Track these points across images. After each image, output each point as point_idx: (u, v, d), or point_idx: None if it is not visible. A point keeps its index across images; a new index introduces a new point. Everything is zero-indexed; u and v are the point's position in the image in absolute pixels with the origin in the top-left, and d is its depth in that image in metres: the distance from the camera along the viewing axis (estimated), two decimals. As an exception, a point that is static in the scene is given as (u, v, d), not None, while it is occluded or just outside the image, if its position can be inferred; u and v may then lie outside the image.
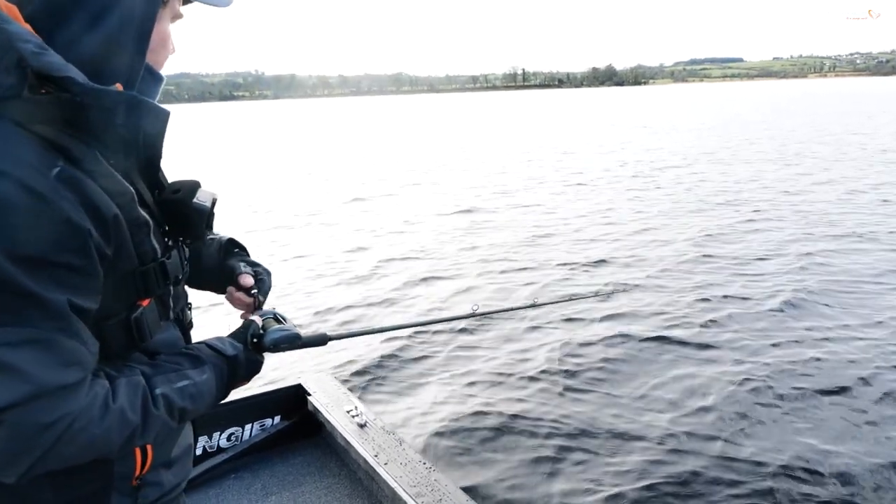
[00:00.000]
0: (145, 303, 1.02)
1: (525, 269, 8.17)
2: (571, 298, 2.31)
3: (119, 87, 0.96)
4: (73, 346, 0.86)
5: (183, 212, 1.09)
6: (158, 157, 1.05)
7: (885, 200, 11.21)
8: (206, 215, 1.11)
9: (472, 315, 1.78)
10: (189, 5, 1.17)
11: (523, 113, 64.65)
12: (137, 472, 1.04)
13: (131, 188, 0.98)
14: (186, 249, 1.19)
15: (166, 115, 1.01)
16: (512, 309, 2.83)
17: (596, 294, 2.46)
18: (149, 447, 1.04)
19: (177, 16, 1.11)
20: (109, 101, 0.90)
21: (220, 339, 1.19)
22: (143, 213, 0.99)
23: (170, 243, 1.09)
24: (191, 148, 31.60)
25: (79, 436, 0.86)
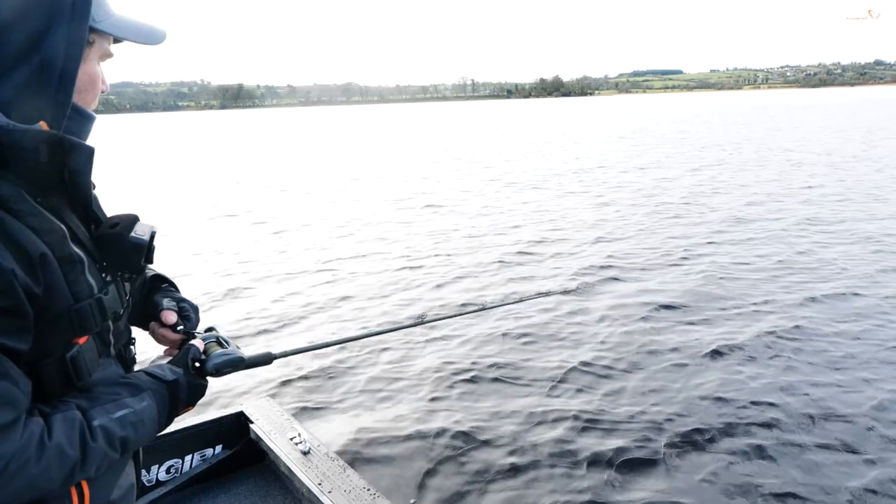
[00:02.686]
0: (82, 340, 1.01)
1: (470, 274, 8.30)
2: (522, 299, 2.38)
3: (43, 125, 0.97)
4: (3, 387, 0.85)
5: (120, 246, 1.09)
6: (88, 192, 1.06)
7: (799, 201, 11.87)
8: (145, 249, 1.11)
9: (422, 322, 1.81)
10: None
11: (474, 122, 65.29)
12: None
13: (62, 226, 0.98)
14: (127, 284, 1.18)
15: (90, 151, 1.02)
16: (462, 314, 2.88)
17: (543, 295, 2.53)
18: (85, 490, 1.02)
19: (106, 55, 1.12)
20: (29, 141, 0.92)
21: (159, 365, 1.19)
22: (76, 249, 1.00)
23: (108, 279, 1.09)
24: (132, 160, 30.62)
25: (16, 477, 0.85)
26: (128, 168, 25.76)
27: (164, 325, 1.33)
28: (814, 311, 6.33)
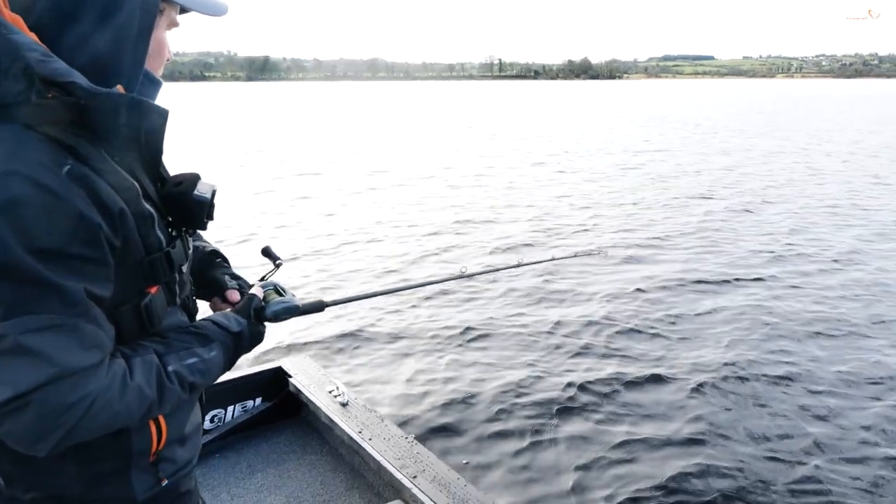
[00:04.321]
0: (153, 290, 1.09)
1: (507, 235, 8.81)
2: (553, 259, 2.45)
3: (121, 89, 1.02)
4: (91, 331, 0.93)
5: (185, 203, 1.15)
6: (159, 153, 1.12)
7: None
8: (207, 206, 1.17)
9: (461, 276, 1.87)
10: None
11: (503, 103, 64.92)
12: (154, 449, 1.11)
13: (136, 183, 1.04)
14: (190, 239, 1.25)
15: (166, 113, 1.07)
16: (499, 269, 2.94)
17: (575, 255, 2.59)
18: (163, 425, 1.12)
19: (172, 24, 1.17)
20: (111, 103, 0.97)
21: (225, 315, 1.26)
22: (147, 206, 1.05)
23: (173, 233, 1.16)
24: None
25: (102, 412, 0.94)
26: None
27: (225, 301, 1.42)
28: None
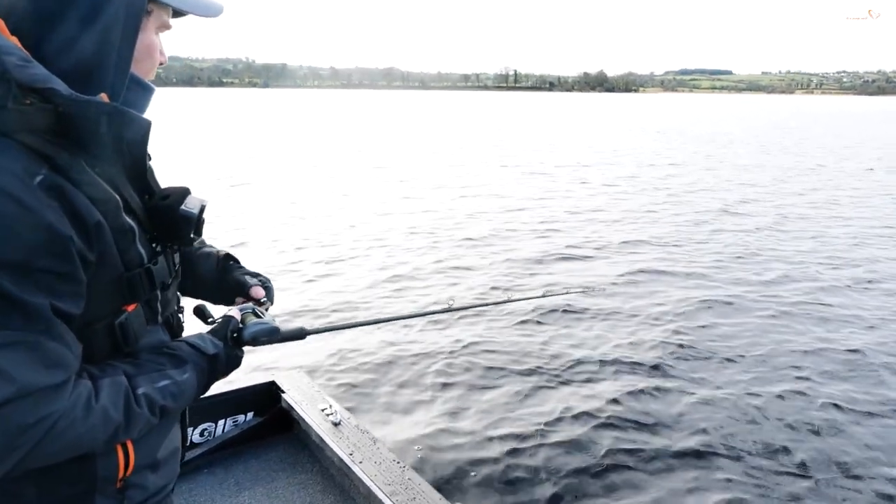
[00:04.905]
0: (131, 308, 1.04)
1: (500, 265, 8.35)
2: (545, 295, 2.36)
3: (104, 97, 0.98)
4: (55, 348, 0.88)
5: (171, 218, 1.11)
6: (143, 164, 1.08)
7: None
8: (194, 222, 1.13)
9: (449, 310, 1.80)
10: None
11: (517, 115, 64.97)
12: (121, 475, 1.05)
13: (116, 196, 1.00)
14: (176, 256, 1.21)
15: (147, 124, 1.04)
16: (487, 304, 2.84)
17: (567, 292, 2.51)
18: (131, 450, 1.06)
19: (163, 26, 1.12)
20: (91, 112, 0.93)
21: (200, 336, 1.21)
22: (128, 219, 1.01)
23: (157, 249, 1.12)
24: (178, 132, 31.30)
25: (63, 434, 0.89)
26: (176, 141, 26.35)
27: (251, 298, 1.39)
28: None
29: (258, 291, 1.40)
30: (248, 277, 1.44)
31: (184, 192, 1.14)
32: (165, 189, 1.16)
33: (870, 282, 7.56)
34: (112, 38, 0.98)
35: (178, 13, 1.14)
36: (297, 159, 20.87)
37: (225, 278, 1.44)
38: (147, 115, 1.09)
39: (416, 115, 63.36)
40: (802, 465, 3.80)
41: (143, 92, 1.10)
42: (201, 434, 2.85)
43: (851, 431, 4.18)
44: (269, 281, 1.49)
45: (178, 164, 17.92)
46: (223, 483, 2.72)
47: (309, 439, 2.88)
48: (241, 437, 2.93)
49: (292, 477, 2.79)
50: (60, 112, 0.90)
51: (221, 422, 2.91)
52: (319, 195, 13.87)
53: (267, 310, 1.39)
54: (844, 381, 4.90)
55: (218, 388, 2.99)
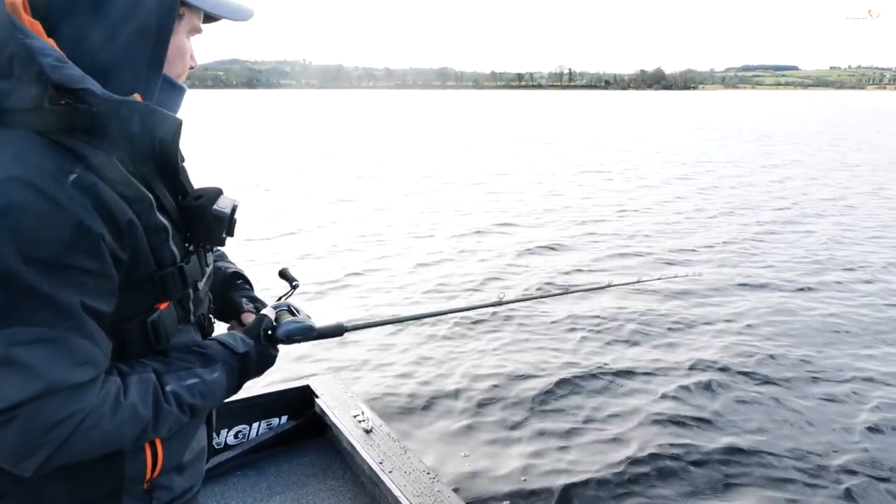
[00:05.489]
0: (163, 306, 1.05)
1: (553, 257, 8.26)
2: (609, 285, 2.23)
3: (138, 97, 1.00)
4: (85, 346, 0.90)
5: (203, 218, 1.12)
6: (176, 163, 1.09)
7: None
8: (226, 221, 1.14)
9: (499, 303, 1.74)
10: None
11: (571, 113, 64.14)
12: (148, 476, 1.06)
13: (149, 194, 1.01)
14: (209, 255, 1.23)
15: (178, 123, 1.05)
16: (540, 297, 2.72)
17: (628, 284, 2.39)
18: (160, 451, 1.07)
19: (195, 30, 1.13)
20: (125, 111, 0.95)
21: (232, 335, 1.22)
22: (161, 218, 1.03)
23: (190, 248, 1.13)
24: (237, 134, 32.26)
25: (91, 431, 0.90)
26: (236, 141, 27.18)
27: (242, 325, 1.37)
28: None
29: (249, 318, 1.36)
30: (244, 301, 1.41)
31: (216, 193, 1.16)
32: (199, 189, 1.17)
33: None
34: (145, 40, 1.00)
35: (209, 17, 1.15)
36: (345, 159, 21.16)
37: (225, 296, 1.43)
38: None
39: (469, 114, 63.34)
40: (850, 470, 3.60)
41: (174, 92, 1.11)
42: (236, 436, 2.88)
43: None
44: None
45: (232, 165, 18.50)
46: (255, 486, 2.74)
47: (341, 445, 2.86)
48: (275, 441, 2.94)
49: (323, 483, 2.78)
50: (94, 112, 0.91)
51: (256, 424, 2.94)
52: (366, 194, 13.99)
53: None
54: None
55: (253, 390, 3.05)
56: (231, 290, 1.45)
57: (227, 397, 1.16)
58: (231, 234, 1.17)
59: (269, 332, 1.26)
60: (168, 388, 1.01)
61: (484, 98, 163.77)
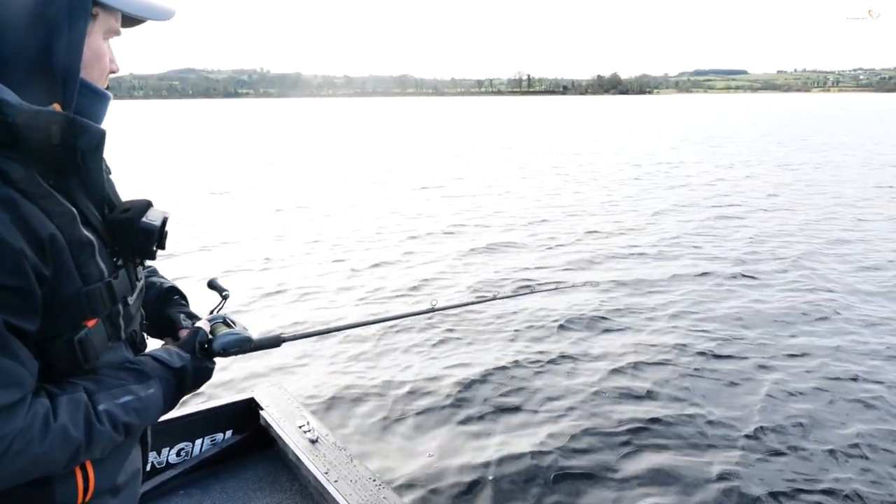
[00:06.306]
0: (91, 323, 1.01)
1: (487, 265, 8.33)
2: (533, 291, 2.28)
3: (57, 106, 0.96)
4: (9, 366, 0.86)
5: (131, 231, 1.09)
6: (99, 175, 1.06)
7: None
8: (156, 234, 1.11)
9: (432, 310, 1.75)
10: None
11: (530, 118, 64.89)
12: (80, 501, 1.02)
13: (72, 208, 0.98)
14: (140, 269, 1.19)
15: (101, 133, 1.01)
16: (471, 303, 2.78)
17: (556, 287, 2.45)
18: (91, 474, 1.03)
19: (112, 31, 1.09)
20: (42, 122, 0.91)
21: (166, 349, 1.19)
22: (86, 232, 1.00)
23: (119, 263, 1.09)
24: (188, 144, 31.64)
25: (18, 456, 0.86)
26: (182, 152, 26.63)
27: (178, 341, 1.34)
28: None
29: (185, 334, 1.33)
30: (182, 317, 1.39)
31: (145, 205, 1.13)
32: (127, 202, 1.14)
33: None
34: (57, 44, 0.96)
35: (129, 20, 1.12)
36: (293, 167, 20.99)
37: (160, 311, 1.40)
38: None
39: (428, 121, 63.48)
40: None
41: (97, 99, 1.07)
42: (178, 454, 2.80)
43: None
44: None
45: (189, 175, 18.14)
46: (199, 504, 2.67)
47: (287, 457, 2.82)
48: (220, 457, 2.88)
49: (270, 497, 2.74)
50: (10, 123, 0.88)
51: (199, 441, 2.86)
52: (308, 203, 13.89)
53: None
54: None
55: (196, 406, 2.99)
56: (167, 307, 1.42)
57: (163, 414, 1.14)
58: (162, 246, 1.15)
59: (205, 346, 1.24)
60: (101, 408, 0.98)
61: (444, 105, 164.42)
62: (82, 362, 1.00)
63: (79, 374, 1.01)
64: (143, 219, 1.10)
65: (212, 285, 1.54)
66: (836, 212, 11.99)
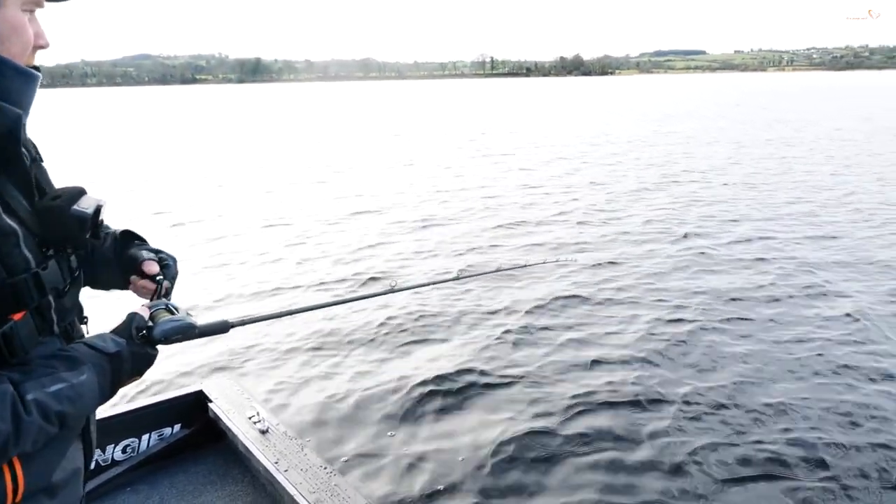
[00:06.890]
0: (17, 316, 0.96)
1: (449, 243, 8.38)
2: (498, 270, 2.26)
3: None
4: None
5: (61, 219, 1.03)
6: (19, 160, 0.99)
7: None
8: (88, 223, 1.06)
9: (391, 291, 1.71)
10: None
11: (496, 101, 64.83)
12: (10, 501, 0.97)
13: None
14: (73, 259, 1.13)
15: (18, 116, 0.95)
16: (433, 283, 2.76)
17: (520, 265, 2.45)
18: (19, 472, 0.97)
19: (31, 2, 1.01)
20: None
21: (100, 336, 1.13)
22: (8, 220, 0.95)
23: (49, 253, 1.03)
24: (143, 132, 30.77)
25: None
26: (139, 141, 25.89)
27: (145, 275, 1.30)
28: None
29: (151, 266, 1.30)
30: (144, 252, 1.34)
31: (78, 192, 1.08)
32: (58, 189, 1.09)
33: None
34: None
35: None
36: (250, 153, 20.63)
37: (121, 254, 1.35)
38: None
39: (391, 104, 62.90)
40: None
41: (23, 79, 1.00)
42: (124, 451, 2.74)
43: None
44: (172, 259, 1.39)
45: (152, 164, 17.68)
46: (147, 501, 2.62)
47: (237, 449, 2.78)
48: (168, 451, 2.82)
49: (222, 489, 2.70)
50: None
51: (146, 436, 2.80)
52: (259, 186, 13.73)
53: (166, 290, 1.31)
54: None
55: (142, 400, 2.92)
56: (127, 248, 1.37)
57: (100, 403, 1.09)
58: (96, 236, 1.10)
59: (145, 333, 1.19)
60: (29, 397, 0.92)
61: (407, 88, 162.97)
62: (8, 357, 0.95)
63: (4, 369, 0.96)
64: (75, 206, 1.05)
65: None
66: (784, 184, 12.36)
